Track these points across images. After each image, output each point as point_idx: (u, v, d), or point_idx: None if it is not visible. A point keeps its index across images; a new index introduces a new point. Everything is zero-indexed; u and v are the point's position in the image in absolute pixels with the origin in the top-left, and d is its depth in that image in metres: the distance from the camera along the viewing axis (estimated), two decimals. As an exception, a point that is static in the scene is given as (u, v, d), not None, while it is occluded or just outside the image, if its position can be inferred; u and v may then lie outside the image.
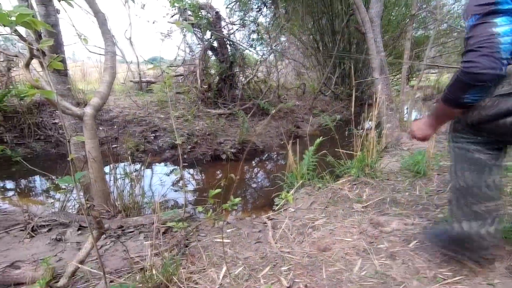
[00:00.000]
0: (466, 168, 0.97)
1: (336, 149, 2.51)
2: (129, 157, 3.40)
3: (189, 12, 4.92)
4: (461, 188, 0.98)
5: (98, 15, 1.72)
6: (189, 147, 3.88)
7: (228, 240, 1.58)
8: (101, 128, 4.26)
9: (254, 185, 3.15)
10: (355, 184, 2.24)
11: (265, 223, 1.82)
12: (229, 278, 1.17)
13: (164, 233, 1.76)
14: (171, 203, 2.63)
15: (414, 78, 7.22)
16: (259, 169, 3.81)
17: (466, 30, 0.84)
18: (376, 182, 2.22)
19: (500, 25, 0.77)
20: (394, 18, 6.68)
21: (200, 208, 2.00)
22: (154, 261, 1.26)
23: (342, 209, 1.84)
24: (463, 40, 0.87)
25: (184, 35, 4.93)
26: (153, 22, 4.96)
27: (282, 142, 4.48)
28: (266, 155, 4.30)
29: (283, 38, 8.31)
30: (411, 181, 2.17)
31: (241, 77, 5.48)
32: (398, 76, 7.19)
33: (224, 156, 3.88)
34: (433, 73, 9.44)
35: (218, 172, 3.59)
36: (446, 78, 8.88)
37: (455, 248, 1.09)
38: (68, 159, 0.67)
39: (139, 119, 4.51)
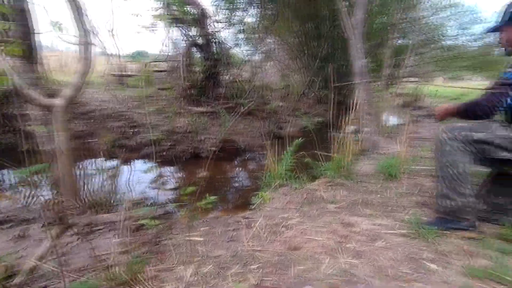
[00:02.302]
0: (460, 160, 1.30)
1: (315, 151, 2.56)
2: (105, 153, 3.30)
3: (174, 7, 4.85)
4: (453, 174, 1.30)
5: (71, 2, 1.65)
6: (169, 144, 3.82)
7: (201, 239, 1.56)
8: (76, 122, 4.11)
9: (233, 184, 3.15)
10: (330, 186, 2.29)
11: (239, 221, 1.82)
12: (197, 276, 1.16)
13: (135, 230, 1.72)
14: (149, 201, 2.58)
15: (394, 86, 7.47)
16: (239, 168, 3.81)
17: None
18: (350, 184, 2.28)
19: None
20: (376, 26, 6.88)
21: (175, 206, 1.98)
22: (120, 259, 1.23)
23: (316, 209, 1.88)
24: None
25: (168, 30, 4.84)
26: (136, 15, 4.82)
27: (264, 142, 4.50)
28: (247, 154, 4.30)
29: (269, 40, 8.37)
30: (383, 183, 2.24)
31: (226, 76, 5.46)
32: (378, 82, 7.42)
33: (204, 154, 3.85)
34: (412, 81, 9.79)
35: (197, 170, 3.55)
36: (423, 87, 9.25)
37: (451, 224, 1.35)
38: (23, 149, 0.64)
39: (118, 114, 4.39)
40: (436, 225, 1.37)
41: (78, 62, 1.83)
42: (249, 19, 6.56)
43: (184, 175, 3.42)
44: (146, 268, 1.23)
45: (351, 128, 2.82)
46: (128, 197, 2.35)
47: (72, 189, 1.75)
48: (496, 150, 1.24)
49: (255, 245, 1.47)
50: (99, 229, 1.76)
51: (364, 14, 3.93)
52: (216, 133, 4.25)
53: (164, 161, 3.68)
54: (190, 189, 1.90)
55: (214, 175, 3.40)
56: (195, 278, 1.15)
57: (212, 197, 1.89)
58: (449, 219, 1.34)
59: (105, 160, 3.36)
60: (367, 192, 2.10)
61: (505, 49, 1.35)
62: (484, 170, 1.51)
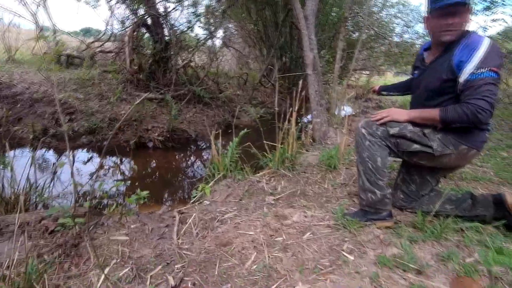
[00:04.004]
0: (379, 155, 1.34)
1: (264, 142, 2.53)
2: (33, 142, 2.93)
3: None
4: (373, 168, 1.35)
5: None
6: (110, 133, 3.53)
7: (126, 238, 1.45)
8: (-3, 106, 3.59)
9: (178, 176, 3.02)
10: (273, 177, 2.30)
11: (175, 217, 1.74)
12: (109, 282, 1.06)
13: (52, 232, 1.54)
14: (76, 197, 2.35)
15: (346, 78, 7.80)
16: (187, 159, 3.67)
17: (482, 76, 1.07)
18: (292, 175, 2.31)
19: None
20: (331, 19, 7.04)
21: (106, 201, 1.82)
22: (19, 267, 1.08)
23: (255, 201, 1.86)
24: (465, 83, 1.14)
25: (112, 7, 4.39)
26: (74, -13, 4.27)
27: (217, 132, 4.39)
28: (199, 144, 4.17)
29: (228, 25, 8.11)
30: (323, 174, 2.31)
31: (178, 60, 5.16)
32: (332, 75, 7.67)
33: (150, 144, 3.64)
34: (364, 74, 10.33)
35: (142, 161, 3.35)
36: (374, 79, 9.80)
37: (371, 215, 1.42)
38: None
39: (51, 98, 3.91)
40: (358, 216, 1.44)
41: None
42: (205, 1, 6.27)
43: (126, 167, 3.19)
44: (52, 275, 1.10)
45: (302, 118, 2.84)
46: (51, 192, 2.12)
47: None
48: (408, 143, 1.32)
49: (184, 243, 1.41)
50: (11, 231, 1.55)
51: (316, 5, 3.95)
52: (165, 121, 4.04)
53: (104, 152, 3.40)
54: (143, 193, 1.75)
55: (160, 166, 3.24)
56: (106, 284, 1.05)
57: (144, 192, 1.78)
58: (370, 211, 1.41)
59: (32, 150, 2.99)
60: (307, 183, 2.15)
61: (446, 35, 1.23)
62: (399, 160, 1.62)
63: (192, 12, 4.93)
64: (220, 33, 7.78)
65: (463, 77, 1.12)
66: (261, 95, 7.18)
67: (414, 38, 6.87)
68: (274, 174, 2.33)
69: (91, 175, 2.86)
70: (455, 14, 1.17)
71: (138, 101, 2.99)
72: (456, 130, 1.23)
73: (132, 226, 1.63)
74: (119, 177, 2.90)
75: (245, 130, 2.56)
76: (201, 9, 5.95)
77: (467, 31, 1.22)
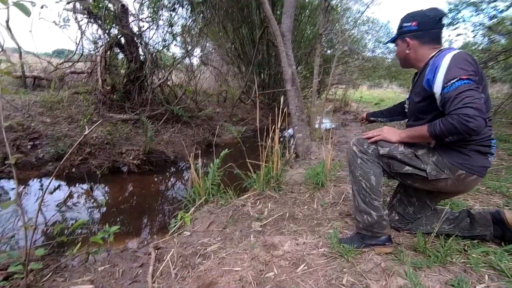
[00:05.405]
0: (372, 173, 1.26)
1: (248, 160, 2.39)
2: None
3: (90, 0, 4.23)
4: (367, 187, 1.27)
5: None
6: (79, 158, 3.25)
7: (90, 286, 1.23)
8: None
9: (155, 203, 2.79)
10: (259, 199, 2.15)
11: (150, 254, 1.53)
12: None
13: (4, 279, 1.29)
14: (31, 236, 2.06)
15: (324, 92, 7.95)
16: (165, 183, 3.44)
17: (453, 87, 1.02)
18: (279, 196, 2.18)
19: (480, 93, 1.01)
20: (306, 36, 7.22)
21: (64, 240, 1.58)
22: None
23: (240, 229, 1.70)
24: (446, 94, 1.05)
25: (80, 26, 4.20)
26: (41, 7, 4.05)
27: (197, 152, 4.19)
28: (178, 166, 3.96)
29: (205, 44, 8.09)
30: (311, 193, 2.20)
31: (154, 79, 4.99)
32: (310, 89, 7.79)
33: (125, 169, 3.38)
34: (340, 87, 10.62)
35: (116, 187, 3.08)
36: (350, 92, 10.09)
37: (369, 240, 1.31)
38: None
39: (11, 124, 3.58)
40: (355, 242, 1.32)
41: None
42: (181, 21, 6.22)
43: (97, 196, 2.92)
44: None
45: (283, 133, 2.74)
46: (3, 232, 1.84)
47: None
48: (400, 164, 1.24)
49: (161, 287, 1.22)
50: None
51: (292, 23, 3.99)
52: (141, 143, 3.81)
53: (72, 179, 3.11)
54: (112, 229, 1.54)
55: (135, 193, 2.99)
56: None
57: (113, 228, 1.56)
58: (367, 235, 1.30)
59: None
60: (295, 204, 2.02)
61: (400, 61, 1.39)
62: (395, 181, 1.54)
63: (167, 31, 4.83)
64: (197, 51, 7.75)
65: (437, 93, 1.08)
66: (241, 111, 7.10)
67: (385, 53, 7.17)
68: (260, 196, 2.19)
69: (58, 207, 2.57)
70: (396, 46, 1.37)
71: (96, 124, 2.80)
72: (452, 154, 1.16)
73: (99, 269, 1.41)
74: (89, 207, 2.63)
75: (227, 150, 2.42)
76: (177, 28, 5.91)
77: (440, 50, 1.19)
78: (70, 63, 5.47)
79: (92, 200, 2.79)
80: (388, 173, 1.30)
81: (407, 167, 1.22)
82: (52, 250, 1.63)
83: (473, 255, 1.18)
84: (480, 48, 6.38)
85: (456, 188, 1.22)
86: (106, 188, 3.09)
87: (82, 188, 3.01)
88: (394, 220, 1.46)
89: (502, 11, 5.21)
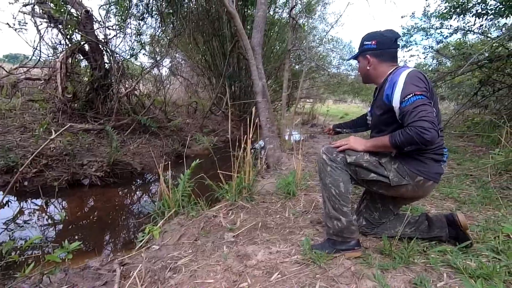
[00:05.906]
0: (341, 180, 1.32)
1: (219, 171, 2.36)
2: None
3: (51, 4, 4.01)
4: (336, 194, 1.33)
5: None
6: (33, 170, 2.97)
7: (45, 310, 1.11)
8: None
9: (120, 217, 2.63)
10: (231, 209, 2.13)
11: (114, 271, 1.43)
12: None
13: None
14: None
15: (293, 105, 8.22)
16: (132, 195, 3.27)
17: (410, 102, 1.13)
18: (251, 206, 2.17)
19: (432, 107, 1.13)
20: (275, 51, 7.47)
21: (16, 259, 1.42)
22: None
23: (212, 241, 1.66)
24: (403, 109, 1.15)
25: (39, 30, 3.95)
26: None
27: (166, 163, 4.05)
28: (145, 178, 3.79)
29: (175, 54, 8.01)
30: (282, 202, 2.22)
31: (121, 88, 4.80)
32: (280, 102, 8.01)
33: (86, 182, 3.16)
34: (308, 101, 11.06)
35: (76, 202, 2.86)
36: (317, 106, 10.53)
37: (340, 245, 1.36)
38: None
39: (-48, 133, 3.20)
40: (326, 248, 1.36)
41: None
42: (150, 30, 6.11)
43: (54, 211, 2.67)
44: None
45: (254, 145, 2.77)
46: None
47: None
48: (366, 172, 1.31)
49: (127, 305, 1.14)
50: None
51: (262, 37, 4.12)
52: (105, 154, 3.59)
53: (24, 194, 2.83)
54: (73, 245, 1.40)
55: (98, 207, 2.80)
56: None
57: (74, 244, 1.44)
58: (337, 240, 1.34)
59: None
60: (267, 214, 2.03)
61: (362, 77, 1.51)
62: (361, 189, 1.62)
63: (136, 40, 4.72)
64: (167, 61, 7.63)
65: (396, 107, 1.19)
66: (212, 123, 7.06)
67: (349, 70, 7.64)
68: (232, 207, 2.17)
69: (5, 224, 2.31)
70: (358, 63, 1.48)
71: (63, 129, 2.68)
72: (411, 162, 1.26)
73: (57, 290, 1.28)
74: (44, 224, 2.40)
75: (197, 160, 2.37)
76: (146, 38, 5.79)
77: (396, 68, 1.33)
78: (25, 69, 5.08)
79: (47, 217, 2.55)
80: (356, 180, 1.37)
81: (372, 174, 1.30)
82: (1, 272, 1.46)
83: (432, 255, 1.28)
84: (430, 68, 7.09)
85: (416, 193, 1.32)
86: (64, 202, 2.86)
87: (35, 204, 2.75)
88: (362, 225, 1.53)
89: (446, 37, 5.87)
